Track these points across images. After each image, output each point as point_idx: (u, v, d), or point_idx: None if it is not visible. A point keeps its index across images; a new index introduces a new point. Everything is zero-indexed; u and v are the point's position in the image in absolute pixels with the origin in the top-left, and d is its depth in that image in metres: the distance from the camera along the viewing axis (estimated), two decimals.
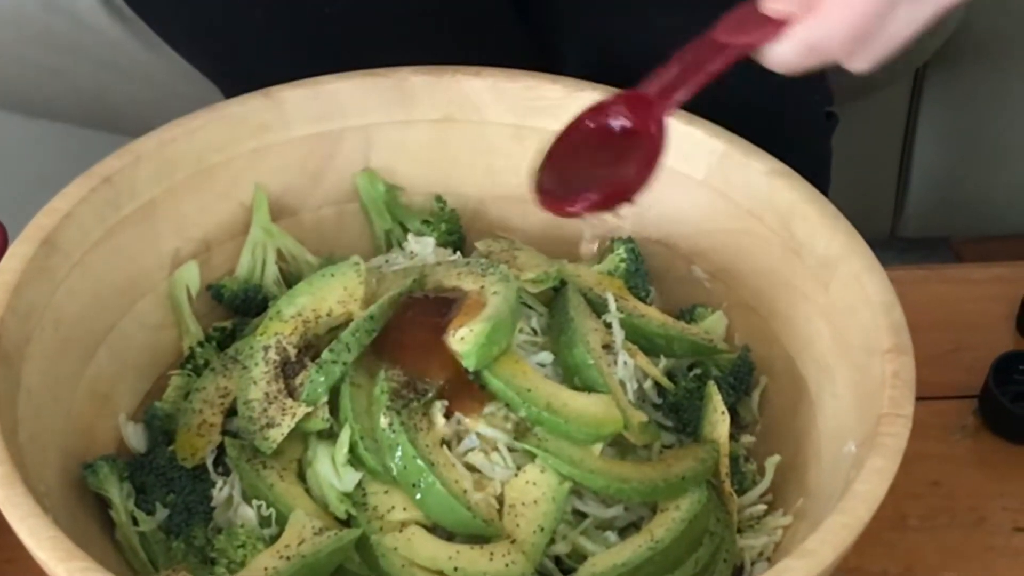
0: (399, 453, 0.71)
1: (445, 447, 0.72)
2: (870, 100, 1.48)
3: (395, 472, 0.71)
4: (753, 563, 0.74)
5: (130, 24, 1.16)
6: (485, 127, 0.87)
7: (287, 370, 0.76)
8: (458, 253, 0.85)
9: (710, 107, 0.84)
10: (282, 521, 0.71)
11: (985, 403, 0.88)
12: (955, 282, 0.98)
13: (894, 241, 1.59)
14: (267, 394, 0.75)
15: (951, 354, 0.92)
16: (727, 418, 0.77)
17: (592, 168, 0.72)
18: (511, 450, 0.73)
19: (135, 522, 0.74)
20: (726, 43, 0.70)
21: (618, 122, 0.72)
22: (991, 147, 1.55)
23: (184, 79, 1.13)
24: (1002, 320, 0.94)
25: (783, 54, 0.70)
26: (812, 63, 0.72)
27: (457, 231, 0.87)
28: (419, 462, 0.70)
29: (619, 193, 0.70)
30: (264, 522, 0.72)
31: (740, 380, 0.80)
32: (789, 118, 1.07)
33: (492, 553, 0.70)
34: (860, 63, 0.73)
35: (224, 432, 0.76)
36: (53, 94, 1.29)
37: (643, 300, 0.84)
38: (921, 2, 0.71)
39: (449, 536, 0.71)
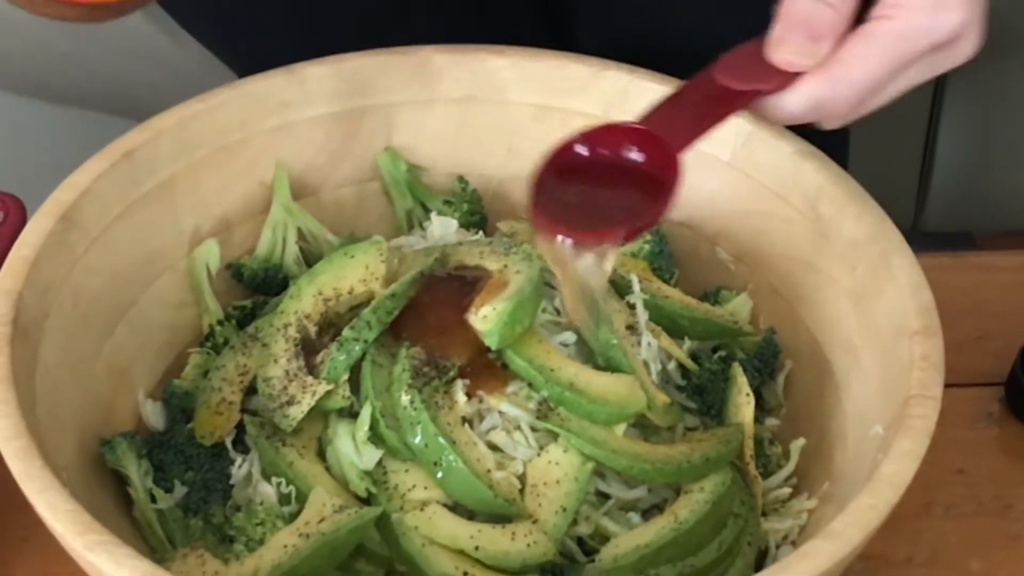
0: (420, 431, 0.70)
1: (467, 426, 0.72)
2: None
3: (416, 450, 0.70)
4: (778, 546, 0.73)
5: (148, 10, 1.15)
6: (508, 107, 0.86)
7: (307, 348, 0.75)
8: (480, 233, 0.85)
9: None
10: (302, 499, 0.71)
11: (1011, 391, 0.87)
12: (980, 269, 0.97)
13: (916, 235, 1.58)
14: (287, 372, 0.74)
15: (976, 341, 0.91)
16: (752, 400, 0.76)
17: (589, 192, 0.66)
18: (533, 430, 0.72)
19: (153, 499, 0.73)
20: (733, 89, 0.66)
21: (627, 154, 0.67)
22: (1014, 141, 1.53)
23: (202, 65, 1.13)
24: None
25: (788, 107, 0.66)
26: (813, 119, 0.67)
27: (479, 211, 0.86)
28: (441, 440, 0.69)
29: (616, 232, 0.65)
30: (283, 500, 0.71)
31: (765, 363, 0.79)
32: None
33: (514, 533, 0.69)
34: (838, 123, 0.68)
35: (243, 410, 0.76)
36: (72, 80, 1.29)
37: (667, 282, 0.83)
38: (928, 65, 0.67)
39: (470, 515, 0.70)
